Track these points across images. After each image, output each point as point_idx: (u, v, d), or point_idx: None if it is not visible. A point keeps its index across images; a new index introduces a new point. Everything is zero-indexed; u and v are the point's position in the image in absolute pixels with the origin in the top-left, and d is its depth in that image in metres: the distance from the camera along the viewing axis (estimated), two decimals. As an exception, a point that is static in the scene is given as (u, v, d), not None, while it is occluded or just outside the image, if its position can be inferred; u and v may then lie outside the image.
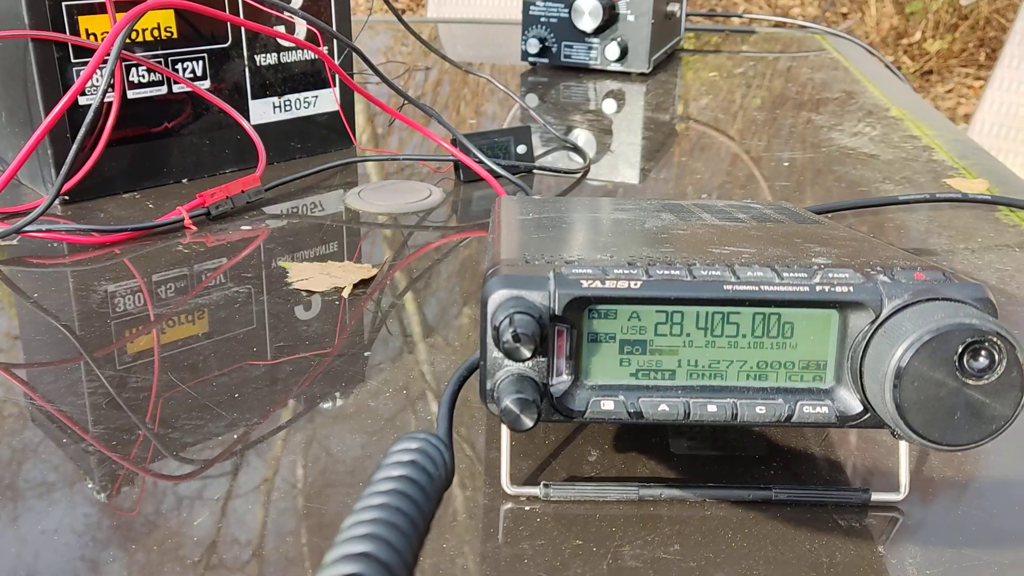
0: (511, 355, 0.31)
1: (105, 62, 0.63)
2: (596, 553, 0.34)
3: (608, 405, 0.33)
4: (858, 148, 0.87)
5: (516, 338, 0.30)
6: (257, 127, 0.75)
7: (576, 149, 0.85)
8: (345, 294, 0.56)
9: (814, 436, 0.42)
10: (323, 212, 0.70)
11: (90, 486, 0.38)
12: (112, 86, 0.67)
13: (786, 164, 0.83)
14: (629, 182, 0.79)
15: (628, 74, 1.16)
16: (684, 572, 0.33)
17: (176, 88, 0.71)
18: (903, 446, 0.37)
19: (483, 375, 0.33)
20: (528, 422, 0.31)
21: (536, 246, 0.38)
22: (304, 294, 0.56)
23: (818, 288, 0.32)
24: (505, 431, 0.37)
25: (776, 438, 0.42)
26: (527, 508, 0.37)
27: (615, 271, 0.33)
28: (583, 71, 1.17)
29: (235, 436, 0.41)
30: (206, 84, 0.73)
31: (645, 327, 0.33)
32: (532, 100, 1.05)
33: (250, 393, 0.45)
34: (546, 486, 0.37)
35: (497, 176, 0.74)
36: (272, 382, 0.46)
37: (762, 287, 0.32)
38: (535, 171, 0.79)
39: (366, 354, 0.49)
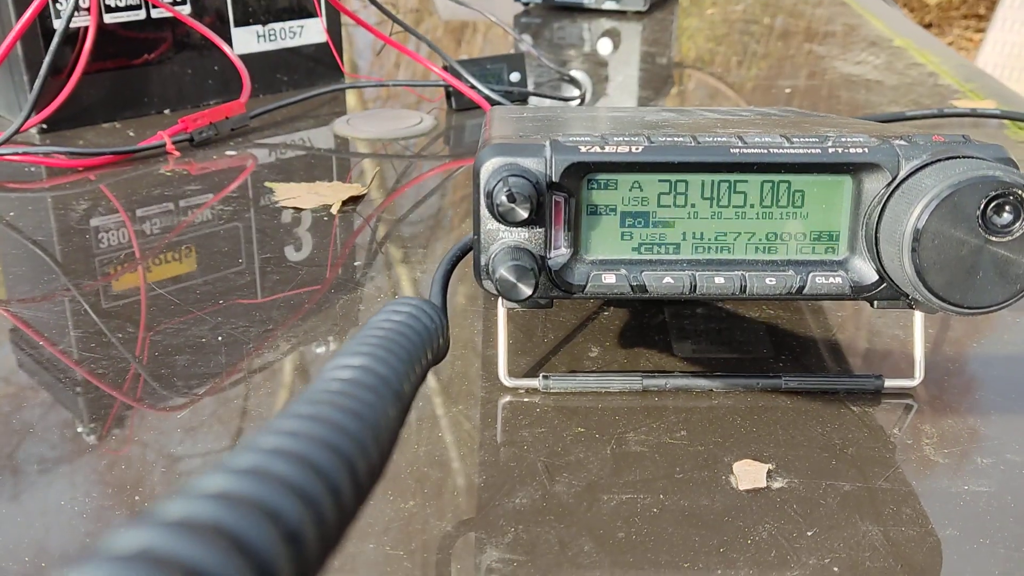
0: (506, 218, 0.29)
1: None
2: (599, 440, 0.33)
3: (609, 279, 0.31)
4: (862, 75, 0.85)
5: (511, 198, 0.28)
6: (241, 57, 0.73)
7: (572, 81, 0.83)
8: (334, 210, 0.54)
9: (822, 332, 0.40)
10: (311, 140, 0.68)
11: (79, 428, 0.36)
12: (80, 8, 0.64)
13: (787, 91, 0.81)
14: (626, 111, 0.77)
15: (624, 13, 1.13)
16: (691, 456, 0.32)
17: (155, 14, 0.68)
18: (918, 329, 0.35)
19: (477, 252, 0.31)
20: (526, 290, 0.29)
21: (531, 130, 0.36)
22: (293, 212, 0.54)
23: (831, 150, 0.31)
24: (502, 321, 0.35)
25: (784, 337, 0.40)
26: (526, 400, 0.35)
27: (615, 139, 0.31)
28: (577, 11, 1.14)
29: (219, 339, 0.39)
30: (186, 9, 0.70)
31: (647, 198, 0.31)
32: (526, 41, 1.03)
33: (234, 302, 0.43)
34: (546, 377, 0.35)
35: (492, 103, 0.72)
36: (260, 291, 0.44)
37: (771, 150, 0.30)
38: (530, 98, 0.76)
39: (356, 263, 0.47)
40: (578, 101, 0.77)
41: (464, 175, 0.61)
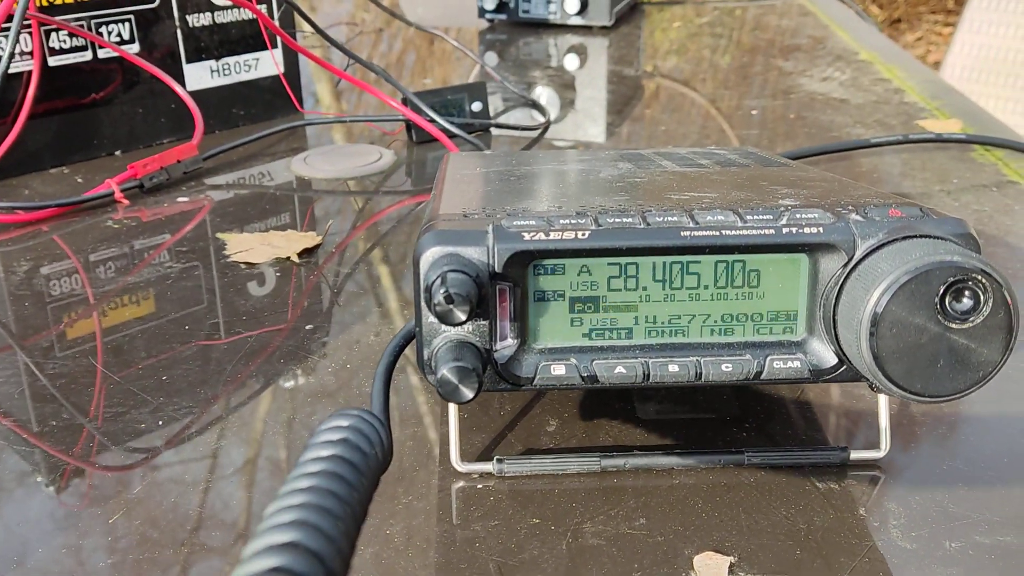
0: (445, 319, 0.27)
1: (7, 27, 0.58)
2: (555, 532, 0.31)
3: (559, 370, 0.30)
4: (828, 93, 0.84)
5: (449, 299, 0.27)
6: (194, 93, 0.71)
7: (536, 106, 0.82)
8: (290, 261, 0.52)
9: (789, 392, 0.39)
10: (267, 180, 0.66)
11: (39, 479, 0.34)
12: (21, 53, 0.62)
13: (755, 112, 0.80)
14: (594, 139, 0.75)
15: (589, 28, 1.12)
16: (650, 548, 0.31)
17: (102, 54, 0.66)
18: (883, 400, 0.34)
19: (419, 343, 0.30)
20: (468, 393, 0.28)
21: (479, 200, 0.34)
22: (243, 267, 0.52)
23: (785, 230, 0.29)
24: (453, 405, 0.34)
25: (749, 396, 0.39)
26: (479, 486, 0.34)
27: (561, 222, 0.29)
28: (543, 26, 1.13)
29: (160, 423, 0.38)
30: (135, 48, 0.68)
31: (597, 282, 0.30)
32: (491, 59, 1.01)
33: (180, 376, 0.41)
34: (499, 461, 0.34)
35: (452, 136, 0.70)
36: (205, 363, 0.42)
37: (723, 232, 0.29)
38: (492, 129, 0.75)
39: (308, 327, 0.45)
40: (541, 130, 0.75)
41: (423, 211, 0.60)
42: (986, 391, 0.38)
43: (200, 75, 0.72)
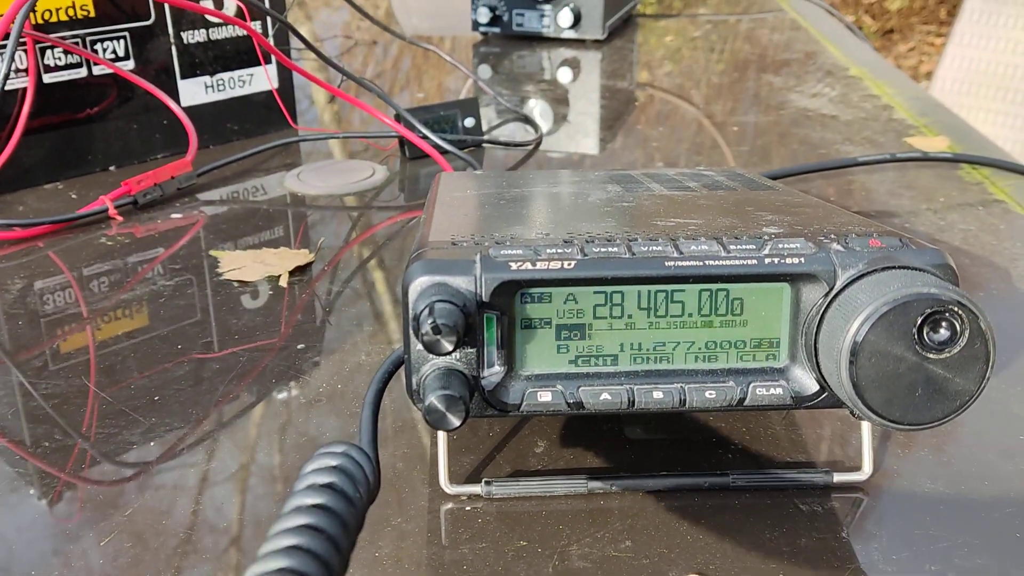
0: (432, 348, 0.28)
1: (3, 45, 0.59)
2: (541, 555, 0.32)
3: (545, 396, 0.30)
4: (818, 109, 0.85)
5: (436, 329, 0.27)
6: (188, 109, 0.71)
7: (528, 120, 0.82)
8: (281, 283, 0.52)
9: (774, 415, 0.40)
10: (260, 196, 0.66)
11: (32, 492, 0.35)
12: (17, 70, 0.62)
13: (736, 129, 0.80)
14: (588, 152, 0.76)
15: (583, 41, 1.13)
16: (636, 571, 0.31)
17: (97, 70, 0.67)
18: (865, 423, 0.35)
19: (408, 371, 0.30)
20: (455, 421, 0.28)
21: (467, 225, 0.35)
22: (236, 285, 0.52)
23: (767, 260, 0.30)
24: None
25: (735, 418, 0.39)
26: (468, 508, 0.34)
27: (547, 251, 0.30)
28: (536, 40, 1.13)
29: (152, 443, 0.38)
30: (129, 65, 0.68)
31: (583, 310, 0.31)
32: (484, 72, 1.02)
33: (171, 396, 0.41)
34: (488, 483, 0.34)
35: (444, 152, 0.71)
36: (196, 382, 0.43)
37: (707, 262, 0.30)
38: (484, 145, 0.75)
39: (300, 346, 0.46)
40: (534, 145, 0.76)
41: (415, 229, 0.60)
42: (967, 414, 0.39)
43: (194, 91, 0.73)
